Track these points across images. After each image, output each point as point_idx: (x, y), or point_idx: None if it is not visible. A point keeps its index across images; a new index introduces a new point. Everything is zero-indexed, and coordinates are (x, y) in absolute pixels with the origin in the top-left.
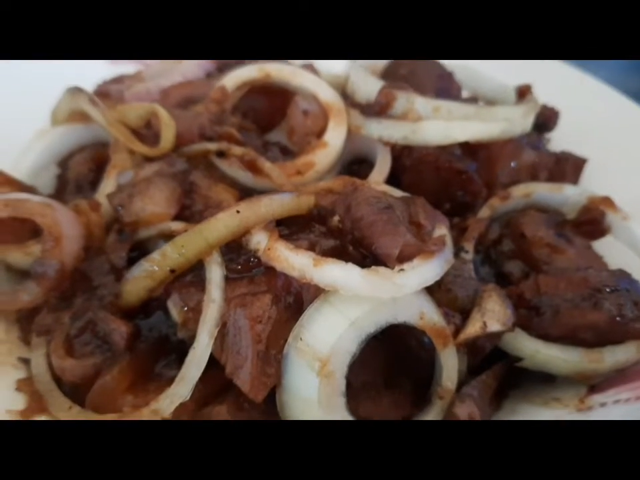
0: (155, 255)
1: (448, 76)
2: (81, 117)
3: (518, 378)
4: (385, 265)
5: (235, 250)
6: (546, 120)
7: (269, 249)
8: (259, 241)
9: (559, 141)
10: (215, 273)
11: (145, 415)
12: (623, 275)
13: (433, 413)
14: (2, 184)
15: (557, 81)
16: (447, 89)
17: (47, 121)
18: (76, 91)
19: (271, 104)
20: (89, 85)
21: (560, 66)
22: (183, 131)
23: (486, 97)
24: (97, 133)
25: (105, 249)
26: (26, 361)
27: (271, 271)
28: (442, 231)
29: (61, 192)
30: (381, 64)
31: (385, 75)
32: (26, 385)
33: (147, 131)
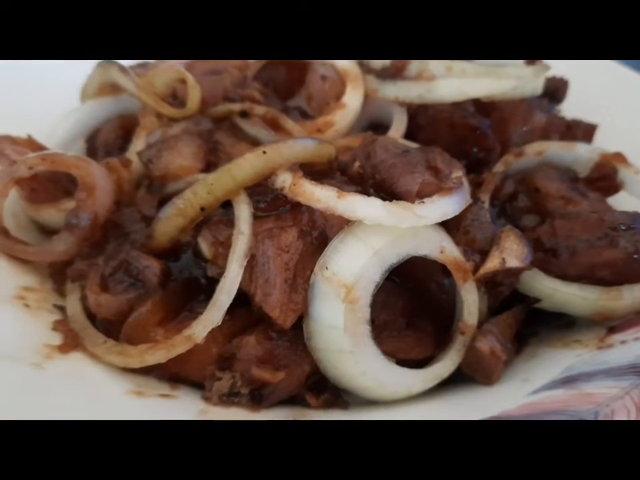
0: (187, 193)
1: None
2: (110, 89)
3: (536, 325)
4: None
5: (261, 193)
6: (555, 89)
7: (294, 185)
8: (284, 179)
9: (567, 112)
10: (244, 211)
11: (178, 341)
12: (637, 215)
13: (454, 349)
14: (35, 150)
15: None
16: None
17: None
18: (106, 63)
19: (289, 74)
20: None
21: None
22: (208, 94)
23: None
24: (124, 104)
25: (135, 202)
26: (61, 308)
27: (296, 207)
28: (459, 173)
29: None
30: None
31: None
32: (61, 325)
33: (172, 100)
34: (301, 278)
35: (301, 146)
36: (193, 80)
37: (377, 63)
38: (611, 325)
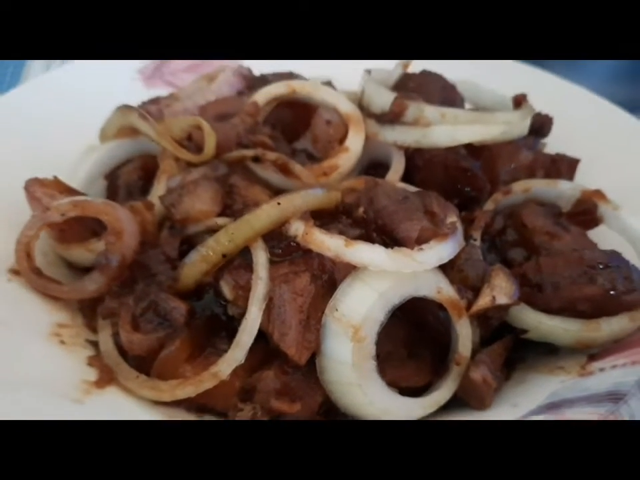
0: (210, 242)
1: (451, 87)
2: (129, 132)
3: (524, 352)
4: (406, 247)
5: (275, 238)
6: (541, 126)
7: (306, 234)
8: (297, 228)
9: (551, 145)
10: (261, 257)
11: (205, 378)
12: (614, 254)
13: (451, 378)
14: (62, 192)
15: (547, 90)
16: (452, 99)
17: (90, 137)
18: (126, 108)
19: (295, 115)
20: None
21: (549, 77)
22: (222, 140)
23: (486, 107)
24: (142, 146)
25: (158, 243)
26: (93, 343)
27: (307, 253)
28: (453, 218)
29: (112, 198)
30: (392, 78)
31: (395, 88)
32: (96, 361)
33: (188, 143)
34: (313, 319)
35: (311, 196)
36: (209, 127)
37: (377, 108)
38: (591, 352)
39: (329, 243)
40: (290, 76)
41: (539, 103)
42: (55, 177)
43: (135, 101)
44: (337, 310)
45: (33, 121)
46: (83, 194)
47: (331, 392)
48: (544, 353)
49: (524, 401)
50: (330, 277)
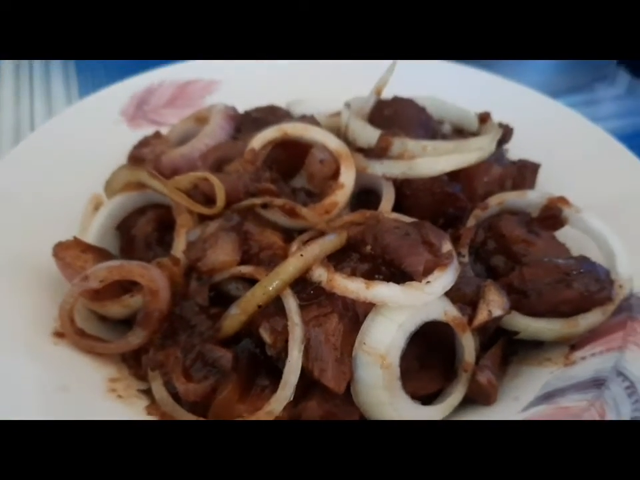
0: (247, 296)
1: (422, 110)
2: (136, 186)
3: (515, 346)
4: (412, 278)
5: (299, 283)
6: (503, 136)
7: (330, 280)
8: (320, 274)
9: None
10: (292, 303)
11: (262, 416)
12: (584, 259)
13: (460, 383)
14: (84, 251)
15: (500, 94)
16: (425, 121)
17: (90, 186)
18: (134, 167)
19: (288, 154)
20: (115, 148)
21: (498, 79)
22: (229, 189)
23: (452, 122)
24: (150, 197)
25: (187, 292)
26: (144, 392)
27: (332, 296)
28: (448, 246)
29: (129, 249)
30: (368, 105)
31: (373, 114)
32: (154, 409)
33: (194, 191)
34: (345, 352)
35: (327, 243)
36: (218, 181)
37: (363, 143)
38: (572, 343)
39: (351, 287)
40: (272, 109)
41: (490, 106)
42: (75, 237)
43: (124, 144)
44: (364, 344)
45: (30, 184)
46: (104, 251)
47: (366, 411)
48: (531, 346)
49: (523, 394)
50: (353, 314)
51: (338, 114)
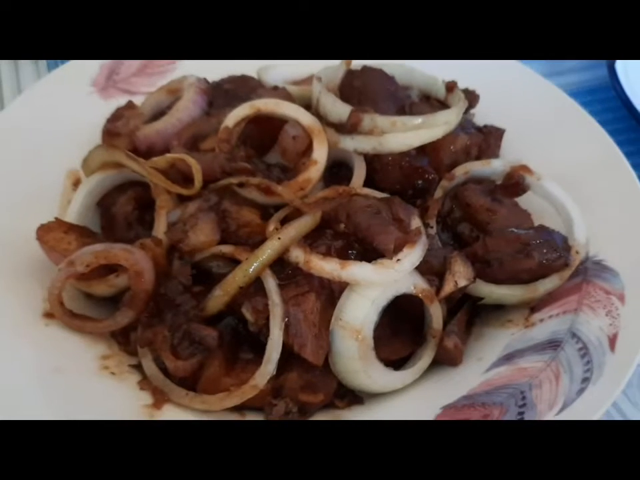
0: (229, 279)
1: (391, 80)
2: (114, 165)
3: (478, 309)
4: (383, 255)
5: (278, 263)
6: (470, 102)
7: (307, 262)
8: (297, 255)
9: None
10: (271, 283)
11: (247, 389)
12: (542, 229)
13: (429, 348)
14: (67, 232)
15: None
16: (394, 92)
17: (67, 161)
18: (111, 148)
19: (261, 129)
20: (89, 119)
21: None
22: (206, 169)
23: (420, 88)
24: (128, 176)
25: (171, 272)
26: (136, 367)
27: (308, 275)
28: (416, 222)
29: (110, 228)
30: (338, 76)
31: (343, 85)
32: (146, 384)
33: (171, 170)
34: (323, 327)
35: (302, 224)
36: (195, 163)
37: (334, 118)
38: (531, 305)
39: (327, 267)
40: (243, 80)
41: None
42: (57, 218)
43: (97, 116)
44: (340, 319)
45: (6, 162)
46: (86, 229)
47: (343, 379)
48: (494, 308)
49: (486, 355)
50: (329, 291)
51: (309, 79)
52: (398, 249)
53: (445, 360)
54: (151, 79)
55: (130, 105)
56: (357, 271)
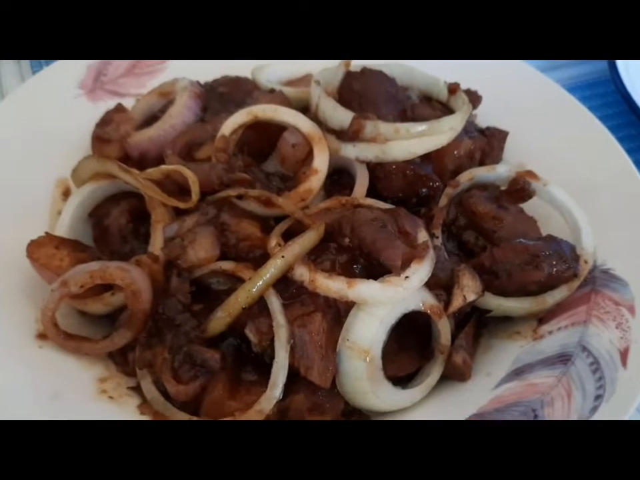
0: (231, 300)
1: (392, 82)
2: (106, 176)
3: (485, 320)
4: (390, 270)
5: (281, 281)
6: (472, 103)
7: (312, 281)
8: (302, 273)
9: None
10: (275, 303)
11: (252, 414)
12: (551, 239)
13: (437, 364)
14: (58, 246)
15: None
16: (395, 94)
17: (55, 167)
18: (104, 159)
19: (259, 135)
20: (78, 124)
21: None
22: (204, 181)
23: (421, 89)
24: (121, 186)
25: (169, 289)
26: (134, 389)
27: (313, 293)
28: (423, 235)
29: (103, 240)
30: (337, 78)
31: (342, 88)
32: (146, 408)
33: (166, 180)
34: (329, 348)
35: (306, 241)
36: (192, 175)
37: (335, 125)
38: (539, 316)
39: (333, 287)
40: (237, 82)
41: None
42: (47, 233)
43: (86, 119)
44: (348, 340)
45: None
46: (78, 243)
47: (350, 399)
48: (501, 319)
49: (494, 370)
50: (336, 310)
51: (305, 78)
52: (405, 264)
53: (454, 375)
54: (140, 80)
55: (120, 109)
56: (364, 290)
